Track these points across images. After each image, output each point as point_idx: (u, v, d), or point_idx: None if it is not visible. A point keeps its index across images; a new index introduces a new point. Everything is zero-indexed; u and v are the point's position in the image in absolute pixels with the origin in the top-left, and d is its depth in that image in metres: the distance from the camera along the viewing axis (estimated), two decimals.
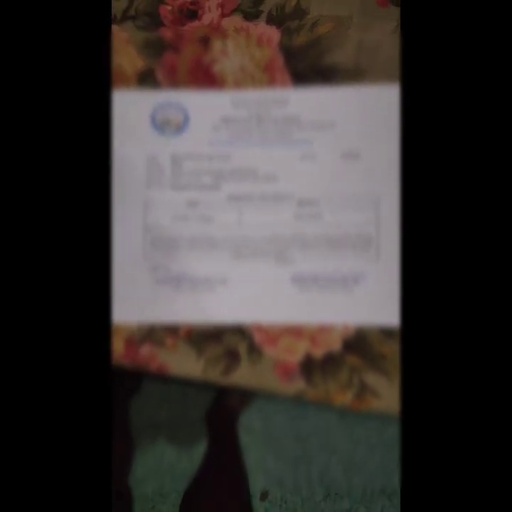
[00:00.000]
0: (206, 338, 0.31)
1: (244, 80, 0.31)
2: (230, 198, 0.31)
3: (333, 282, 0.30)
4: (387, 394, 0.30)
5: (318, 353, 0.31)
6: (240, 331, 0.31)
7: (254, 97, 0.31)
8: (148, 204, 0.31)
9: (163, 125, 0.31)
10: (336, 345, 0.31)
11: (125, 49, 0.32)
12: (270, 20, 0.31)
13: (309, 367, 0.31)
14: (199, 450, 0.31)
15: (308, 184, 0.31)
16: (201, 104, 0.31)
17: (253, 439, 0.31)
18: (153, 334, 0.32)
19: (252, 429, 0.31)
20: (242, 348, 0.31)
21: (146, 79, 0.32)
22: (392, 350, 0.30)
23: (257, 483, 0.30)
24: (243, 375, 0.31)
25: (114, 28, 0.32)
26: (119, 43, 0.32)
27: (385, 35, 0.31)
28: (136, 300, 0.31)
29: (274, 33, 0.31)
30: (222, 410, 0.31)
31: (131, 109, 0.31)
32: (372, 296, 0.30)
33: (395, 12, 0.31)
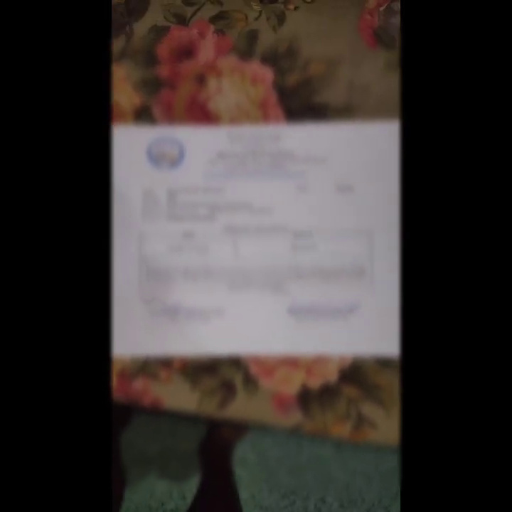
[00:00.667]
0: (201, 370, 0.31)
1: (239, 117, 0.32)
2: (226, 229, 0.31)
3: (328, 313, 0.31)
4: (384, 425, 0.30)
5: (315, 383, 0.31)
6: (235, 363, 0.31)
7: (250, 132, 0.32)
8: (144, 236, 0.31)
9: (159, 159, 0.31)
10: (332, 375, 0.31)
11: (122, 86, 0.32)
12: (264, 60, 0.32)
13: (306, 398, 0.31)
14: (191, 484, 0.30)
15: (302, 216, 0.31)
16: (197, 139, 0.32)
17: (248, 471, 0.30)
18: (147, 367, 0.31)
19: (246, 462, 0.30)
20: (238, 380, 0.31)
21: (143, 115, 0.32)
22: (389, 380, 0.30)
23: None
24: (239, 408, 0.30)
25: (112, 66, 0.33)
26: (117, 80, 0.33)
27: (375, 75, 0.32)
28: (131, 332, 0.31)
29: (267, 73, 0.32)
30: (215, 442, 0.30)
31: (128, 144, 0.32)
32: (367, 326, 0.30)
33: (384, 53, 0.32)
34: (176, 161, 0.31)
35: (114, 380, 0.31)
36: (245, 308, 0.31)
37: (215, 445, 0.31)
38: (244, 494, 0.30)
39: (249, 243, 0.31)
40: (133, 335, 0.31)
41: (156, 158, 0.31)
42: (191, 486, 0.30)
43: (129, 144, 0.32)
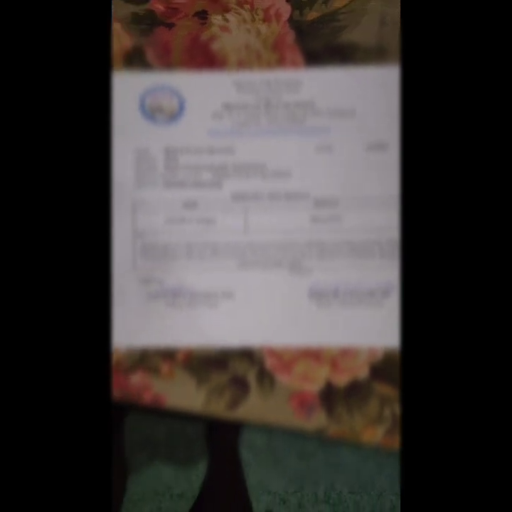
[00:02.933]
0: (208, 364, 0.28)
1: (248, 60, 0.28)
2: (235, 197, 0.28)
3: (357, 296, 0.27)
4: None
5: (342, 380, 0.27)
6: (248, 356, 0.28)
7: (262, 79, 0.28)
8: (138, 205, 0.28)
9: (155, 112, 0.28)
10: (362, 371, 0.27)
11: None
12: None
13: (331, 397, 0.27)
14: (199, 469, 0.31)
15: (325, 181, 0.28)
16: (199, 88, 0.28)
17: (255, 456, 0.31)
18: (146, 360, 0.28)
19: (254, 446, 0.31)
20: (251, 376, 0.28)
21: (135, 59, 0.28)
22: None
23: (260, 504, 0.31)
24: (252, 409, 0.27)
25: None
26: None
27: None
28: (125, 319, 0.28)
29: (283, 6, 0.28)
30: (223, 426, 0.30)
31: (117, 94, 0.28)
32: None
33: None
34: (174, 114, 0.28)
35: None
36: (258, 291, 0.28)
37: (222, 429, 0.31)
38: (252, 479, 0.30)
39: (263, 213, 0.28)
40: (128, 322, 0.28)
41: (151, 111, 0.28)
42: (198, 471, 0.32)
43: (119, 94, 0.28)
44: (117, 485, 0.29)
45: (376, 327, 0.27)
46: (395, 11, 0.28)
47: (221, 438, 0.31)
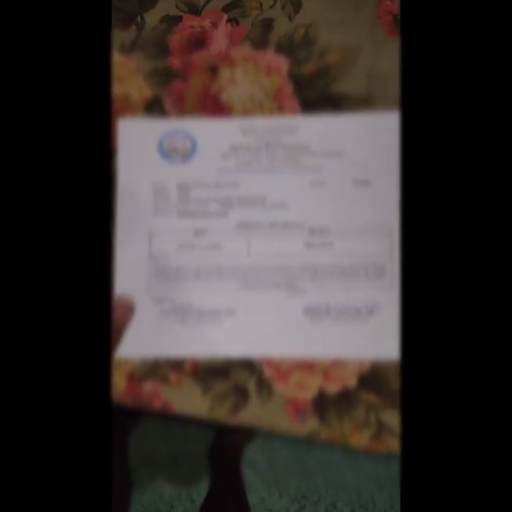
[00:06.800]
0: (213, 373, 0.30)
1: (253, 108, 0.31)
2: (239, 225, 0.30)
3: (346, 314, 0.29)
4: None
5: (333, 389, 0.29)
6: (248, 366, 0.30)
7: (264, 124, 0.31)
8: (154, 233, 0.30)
9: (171, 153, 0.31)
10: (351, 380, 0.29)
11: (133, 78, 0.32)
12: (279, 49, 0.31)
13: (323, 405, 0.29)
14: (200, 488, 0.30)
15: (318, 212, 0.30)
16: (209, 132, 0.31)
17: (257, 475, 0.30)
18: (157, 370, 0.30)
19: (256, 465, 0.30)
20: (251, 385, 0.30)
21: (154, 107, 0.31)
22: None
23: None
24: (252, 414, 0.29)
25: (123, 57, 0.32)
26: (128, 72, 0.32)
27: (395, 63, 0.30)
28: (140, 334, 0.30)
29: (282, 62, 0.31)
30: (225, 446, 0.30)
31: (137, 137, 0.31)
32: (388, 328, 0.29)
33: None
34: (187, 154, 0.31)
35: (124, 383, 0.30)
36: (258, 309, 0.30)
37: (224, 448, 0.30)
38: (253, 498, 0.30)
39: (263, 240, 0.30)
40: (142, 336, 0.30)
41: (167, 151, 0.31)
42: (200, 490, 0.30)
43: (139, 137, 0.31)
44: (121, 501, 0.29)
45: (364, 341, 0.29)
46: (381, 65, 0.31)
47: (223, 457, 0.30)
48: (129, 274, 0.30)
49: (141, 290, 0.30)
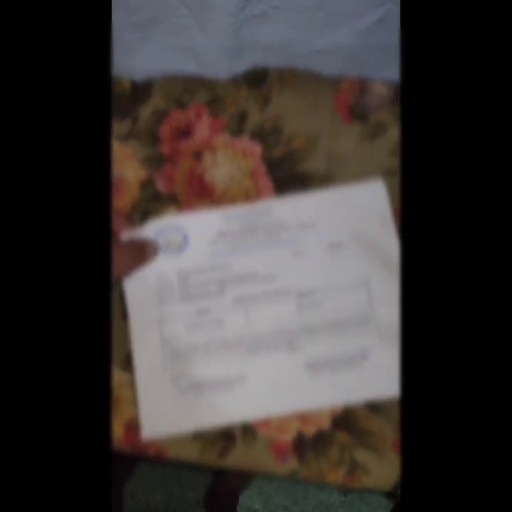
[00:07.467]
0: None
1: (232, 187, 0.36)
2: (236, 300, 0.34)
3: (343, 362, 0.32)
4: (377, 470, 0.32)
5: (310, 431, 0.32)
6: None
7: (243, 211, 0.35)
8: (163, 318, 0.34)
9: (166, 246, 0.35)
10: (325, 423, 0.32)
11: (129, 162, 0.37)
12: (253, 137, 0.37)
13: (301, 445, 0.32)
14: None
15: (303, 277, 0.34)
16: (197, 224, 0.35)
17: None
18: None
19: (252, 510, 0.31)
20: (237, 430, 0.33)
21: (148, 186, 0.36)
22: (380, 426, 0.32)
23: None
24: (239, 456, 0.32)
25: (120, 145, 0.37)
26: (124, 157, 0.37)
27: (351, 146, 0.36)
28: (162, 413, 0.32)
29: (256, 147, 0.36)
30: (221, 491, 0.31)
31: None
32: (381, 369, 0.32)
33: (358, 127, 0.36)
34: (181, 246, 0.35)
35: (122, 431, 0.33)
36: (265, 371, 0.32)
37: (221, 494, 0.32)
38: None
39: (259, 309, 0.33)
40: (162, 415, 0.32)
41: (164, 245, 0.35)
42: None
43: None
44: None
45: (361, 385, 0.32)
46: (339, 147, 0.36)
47: (219, 503, 0.32)
48: (146, 360, 0.33)
49: (158, 372, 0.33)
